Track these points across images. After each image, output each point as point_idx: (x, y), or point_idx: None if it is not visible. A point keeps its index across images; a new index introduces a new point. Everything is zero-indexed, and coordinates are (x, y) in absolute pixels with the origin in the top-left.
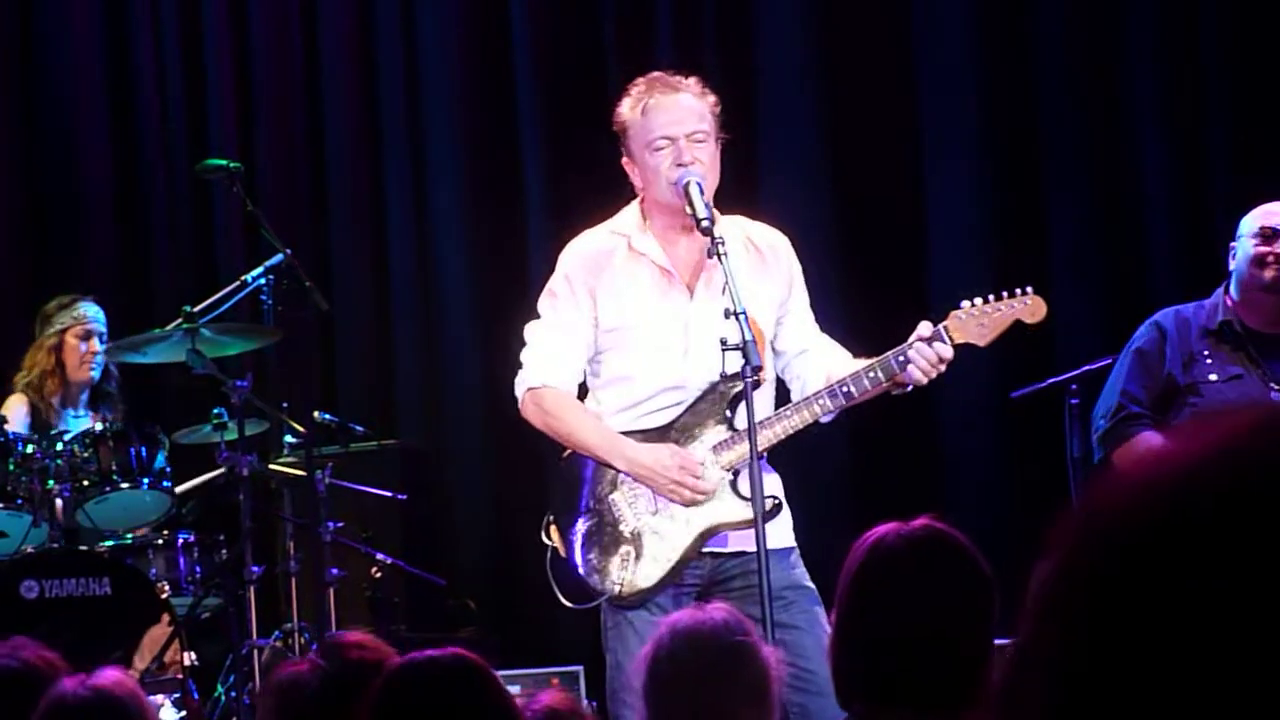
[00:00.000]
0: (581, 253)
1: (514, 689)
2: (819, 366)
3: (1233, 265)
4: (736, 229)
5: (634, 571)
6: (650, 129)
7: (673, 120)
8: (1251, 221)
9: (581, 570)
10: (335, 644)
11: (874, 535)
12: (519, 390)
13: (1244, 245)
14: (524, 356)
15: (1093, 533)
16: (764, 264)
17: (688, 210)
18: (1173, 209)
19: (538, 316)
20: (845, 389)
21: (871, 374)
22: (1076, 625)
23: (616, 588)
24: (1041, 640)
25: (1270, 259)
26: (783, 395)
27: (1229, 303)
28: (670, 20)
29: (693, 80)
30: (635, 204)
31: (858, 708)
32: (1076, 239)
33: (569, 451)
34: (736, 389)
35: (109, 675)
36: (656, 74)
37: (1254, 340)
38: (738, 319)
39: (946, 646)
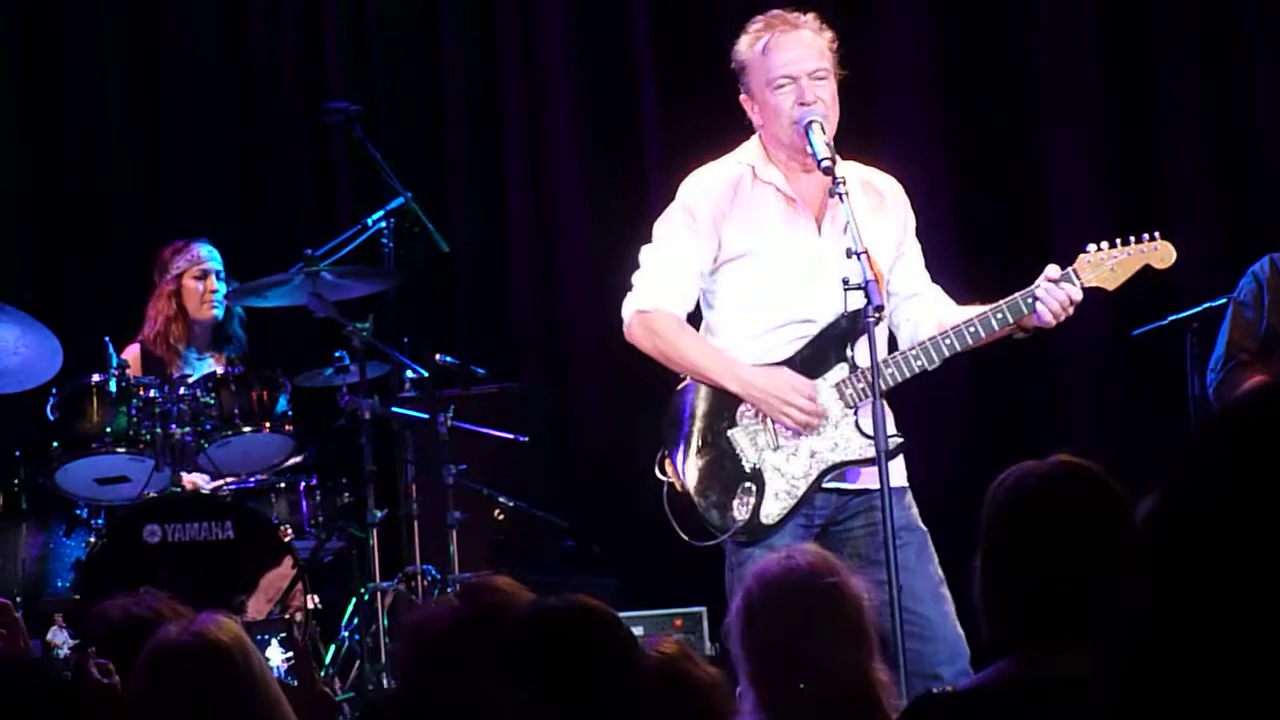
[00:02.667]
0: (706, 181)
1: (637, 630)
2: (930, 312)
3: None
4: (854, 171)
5: (757, 508)
6: (772, 67)
7: (794, 59)
8: None
9: (702, 507)
10: (474, 587)
11: (1013, 474)
12: (626, 312)
13: None
14: (635, 279)
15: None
16: (882, 206)
17: (809, 150)
18: None
19: (651, 240)
20: (972, 329)
21: (999, 315)
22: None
23: (738, 524)
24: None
25: None
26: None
27: None
28: None
29: (810, 17)
30: (755, 139)
31: (1019, 652)
32: (1195, 177)
33: (683, 383)
34: (855, 327)
35: (211, 619)
36: (775, 11)
37: None
38: (859, 258)
39: (1101, 581)
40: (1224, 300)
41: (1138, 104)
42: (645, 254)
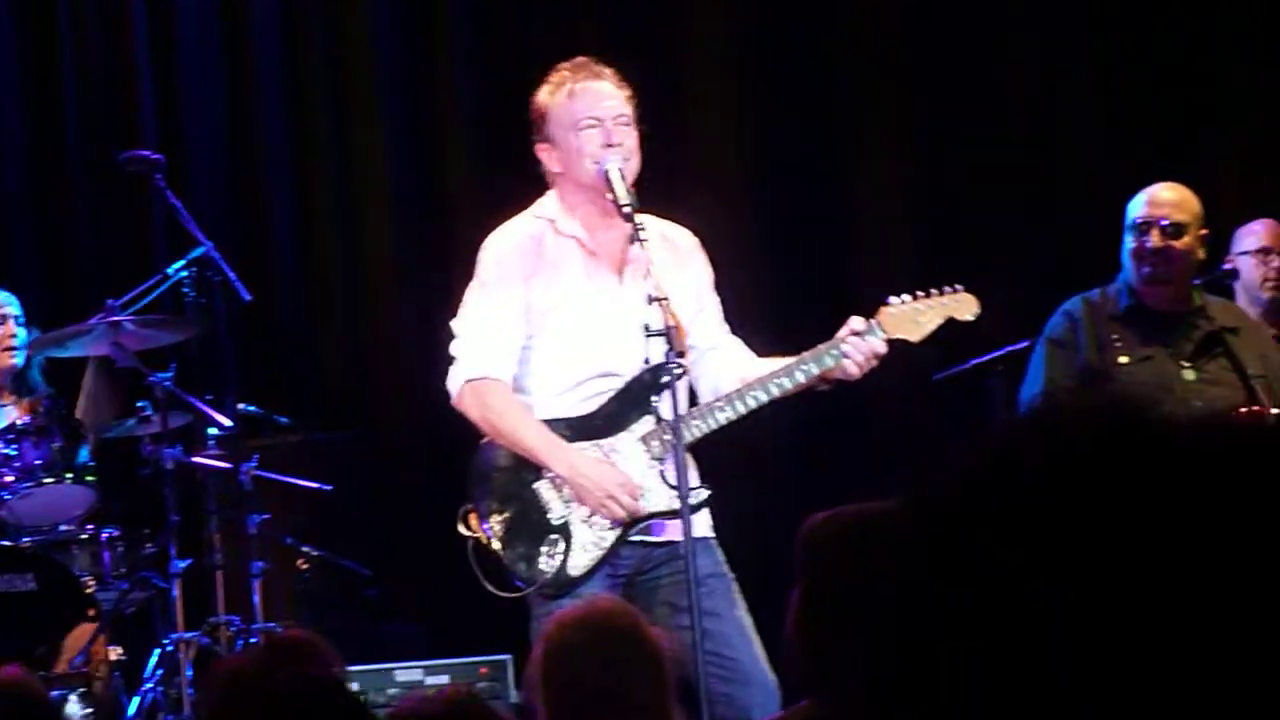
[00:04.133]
0: (509, 240)
1: (442, 679)
2: (730, 366)
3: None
4: (652, 225)
5: (564, 561)
6: (577, 110)
7: (600, 103)
8: (1130, 211)
9: (509, 560)
10: (278, 639)
11: (819, 520)
12: (454, 383)
13: (1126, 238)
14: (457, 349)
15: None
16: (680, 261)
17: (609, 195)
18: (1096, 189)
19: (464, 309)
20: (778, 381)
21: (805, 367)
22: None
23: (546, 577)
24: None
25: (1144, 254)
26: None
27: (1132, 286)
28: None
29: (610, 70)
30: (551, 193)
31: (824, 694)
32: (998, 219)
33: (486, 439)
34: (658, 378)
35: (3, 672)
36: (580, 59)
37: (1159, 320)
38: (660, 305)
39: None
40: (1026, 344)
41: (939, 149)
42: (461, 322)
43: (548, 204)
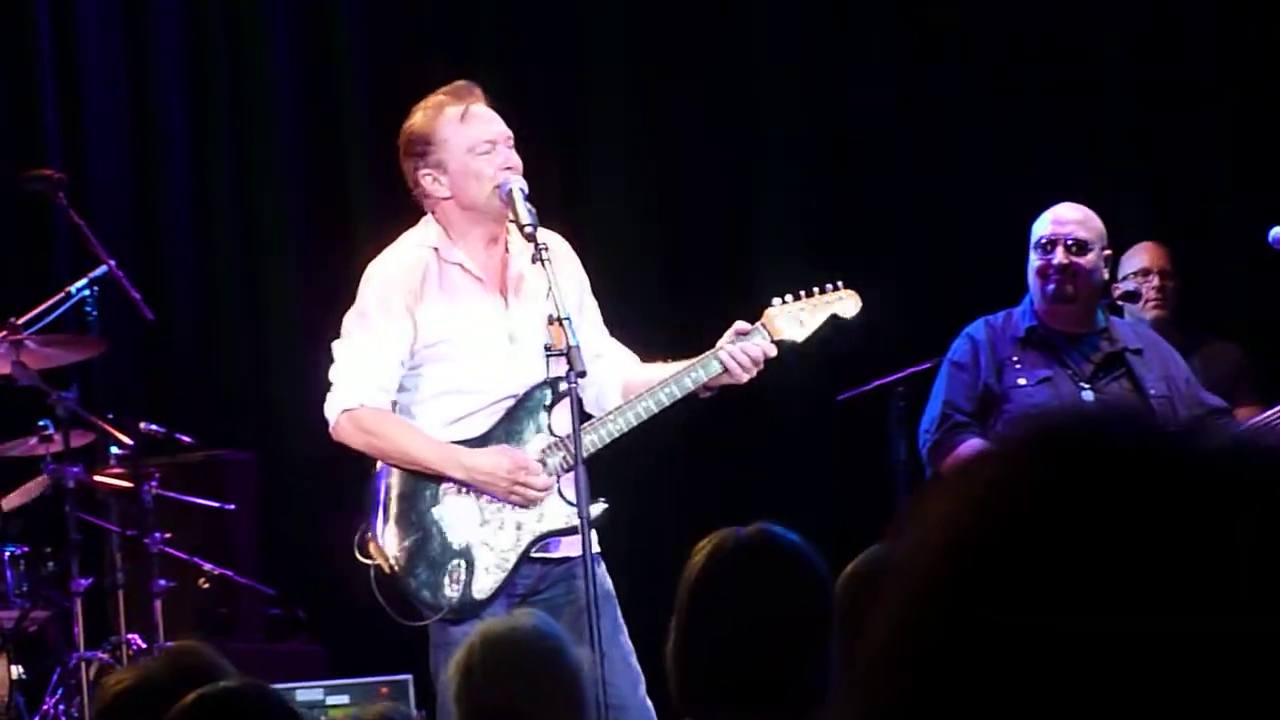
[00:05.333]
0: (393, 269)
1: (342, 699)
2: (615, 373)
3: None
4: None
5: (467, 585)
6: (472, 135)
7: (491, 126)
8: (1034, 230)
9: (412, 588)
10: (173, 651)
11: (710, 541)
12: (331, 412)
13: (1029, 257)
14: (334, 376)
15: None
16: (557, 266)
17: (511, 216)
18: (999, 210)
19: (343, 335)
20: (669, 390)
21: (694, 374)
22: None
23: (450, 602)
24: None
25: (1050, 271)
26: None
27: (1034, 307)
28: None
29: (480, 90)
30: (429, 219)
31: (697, 713)
32: (900, 240)
33: (378, 466)
34: (552, 395)
35: None
36: (458, 83)
37: (1060, 341)
38: (562, 325)
39: (785, 648)
40: (928, 365)
41: (847, 156)
42: (340, 348)
43: (429, 231)
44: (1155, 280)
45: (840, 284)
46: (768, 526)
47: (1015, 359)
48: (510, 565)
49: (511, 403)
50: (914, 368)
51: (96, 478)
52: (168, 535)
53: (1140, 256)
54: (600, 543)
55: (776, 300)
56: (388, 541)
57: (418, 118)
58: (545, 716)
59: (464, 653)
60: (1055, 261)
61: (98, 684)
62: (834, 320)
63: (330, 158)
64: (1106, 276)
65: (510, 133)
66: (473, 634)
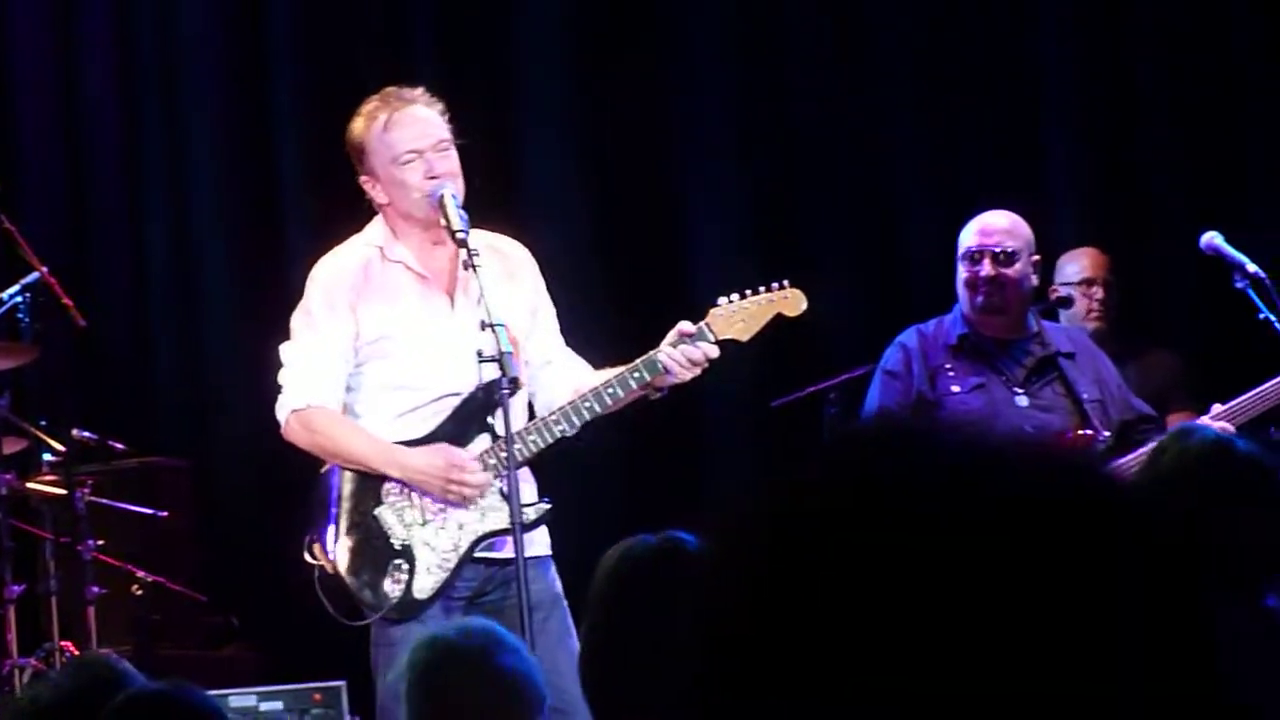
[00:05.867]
0: (336, 267)
1: (276, 705)
2: (565, 380)
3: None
4: (482, 239)
5: (408, 585)
6: (395, 143)
7: (417, 133)
8: (961, 240)
9: (354, 588)
10: (78, 662)
11: (620, 548)
12: (281, 413)
13: (957, 267)
14: (283, 378)
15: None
16: (512, 273)
17: (443, 222)
18: (931, 216)
19: (291, 337)
20: (611, 390)
21: (636, 374)
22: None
23: (391, 602)
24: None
25: (978, 283)
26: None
27: (966, 315)
28: (430, 36)
29: (420, 91)
30: (378, 220)
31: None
32: (835, 246)
33: (325, 468)
34: (494, 397)
35: None
36: (388, 89)
37: (992, 347)
38: (494, 330)
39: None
40: (863, 370)
41: (779, 166)
42: (288, 350)
43: (375, 230)
44: (1098, 292)
45: (786, 283)
46: (675, 534)
47: (948, 366)
48: (451, 565)
49: (456, 402)
50: (848, 374)
51: (29, 485)
52: (101, 542)
53: (1081, 263)
54: (551, 544)
55: (722, 300)
56: (332, 542)
57: (354, 124)
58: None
59: (412, 656)
60: (982, 274)
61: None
62: (779, 319)
63: (262, 163)
64: (1036, 282)
65: (442, 137)
66: (419, 644)
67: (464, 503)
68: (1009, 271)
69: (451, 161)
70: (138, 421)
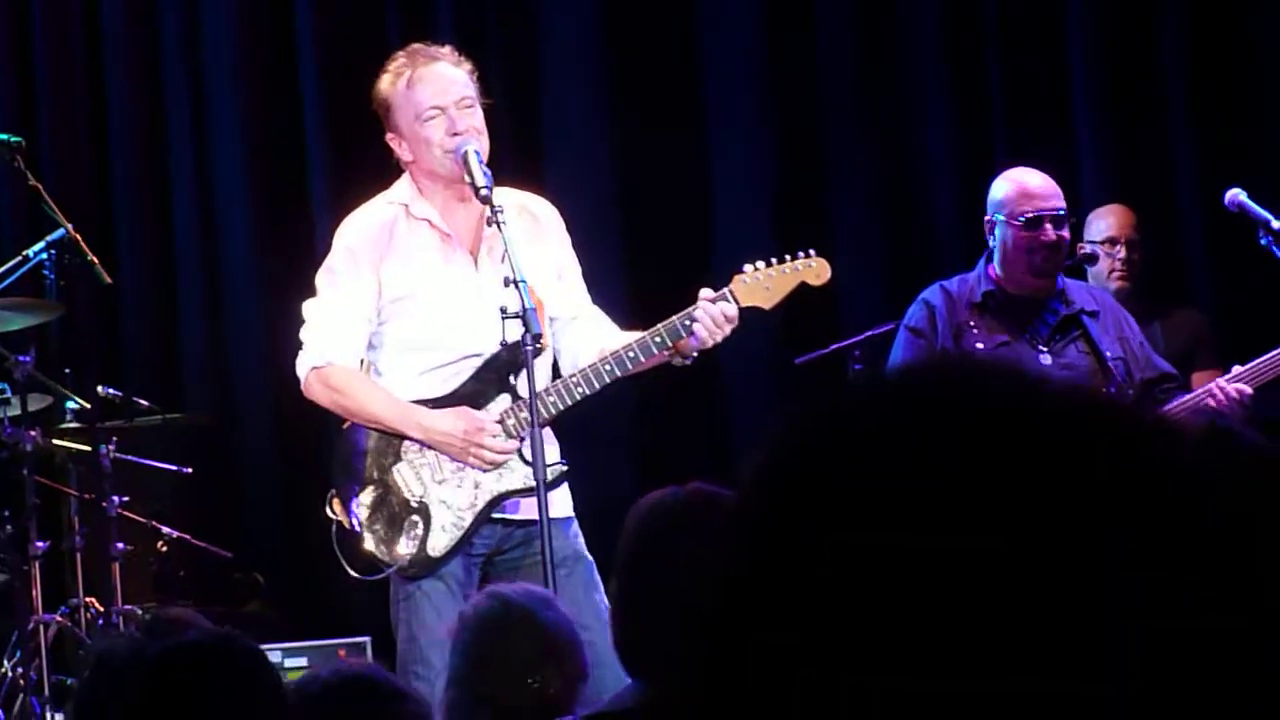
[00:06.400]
0: (361, 225)
1: (300, 661)
2: (591, 337)
3: (993, 242)
4: (509, 197)
5: (423, 542)
6: (419, 100)
7: (440, 90)
8: (1010, 203)
9: (369, 543)
10: (157, 619)
11: (647, 502)
12: (301, 370)
13: (1005, 230)
14: (305, 335)
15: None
16: (538, 231)
17: (466, 179)
18: (955, 173)
19: (315, 294)
20: (631, 354)
21: (657, 338)
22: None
23: (406, 559)
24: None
25: (1037, 246)
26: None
27: (991, 274)
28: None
29: (448, 49)
30: (405, 177)
31: (642, 675)
32: (859, 205)
33: (348, 423)
34: (516, 357)
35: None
36: (414, 46)
37: (1017, 305)
38: (518, 287)
39: None
40: (888, 328)
41: (805, 125)
42: (310, 307)
43: (401, 188)
44: (1122, 251)
45: (811, 252)
46: (703, 485)
47: (973, 324)
48: (466, 524)
49: (479, 362)
50: (872, 331)
51: (54, 441)
52: (125, 499)
53: (1107, 220)
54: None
55: (748, 267)
56: (351, 498)
57: (380, 81)
58: (546, 689)
59: (473, 606)
60: (1044, 239)
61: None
62: (803, 289)
63: (287, 123)
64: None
65: (466, 94)
66: (464, 612)
67: (489, 468)
68: (1065, 234)
69: (476, 118)
70: (163, 378)
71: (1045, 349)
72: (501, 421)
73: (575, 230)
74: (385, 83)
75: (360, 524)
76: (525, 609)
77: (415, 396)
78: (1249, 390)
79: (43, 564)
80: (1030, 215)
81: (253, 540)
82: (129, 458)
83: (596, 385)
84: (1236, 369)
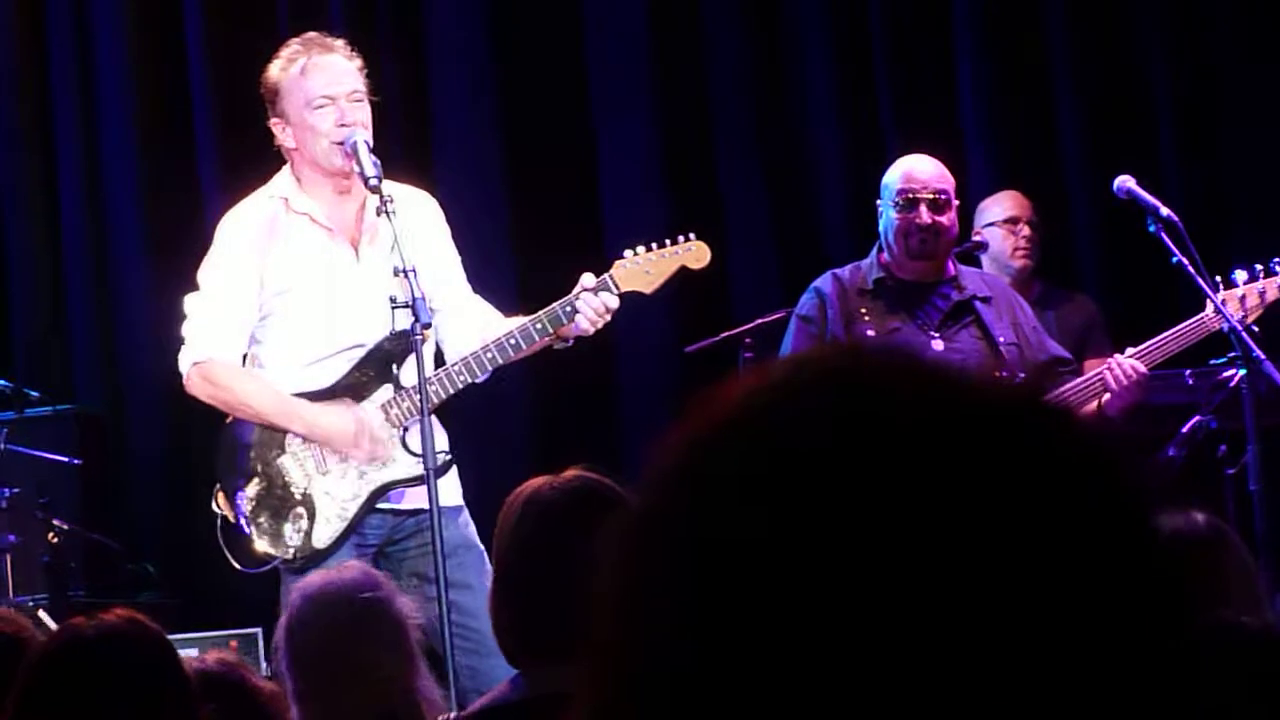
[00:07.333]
0: (240, 220)
1: (191, 651)
2: (473, 325)
3: (880, 227)
4: (389, 190)
5: (307, 534)
6: (310, 89)
7: (332, 80)
8: (891, 186)
9: (253, 536)
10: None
11: (526, 489)
12: (183, 365)
13: (887, 213)
14: (186, 330)
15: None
16: (419, 223)
17: (355, 168)
18: (845, 161)
19: (197, 289)
20: (513, 341)
21: (539, 325)
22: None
23: (291, 551)
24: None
25: (911, 229)
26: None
27: (882, 260)
28: None
29: (342, 42)
30: (286, 169)
31: (522, 664)
32: (749, 192)
33: (229, 418)
34: (401, 347)
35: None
36: (310, 34)
37: (909, 291)
38: (407, 276)
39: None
40: (779, 315)
41: (695, 111)
42: (191, 302)
43: (281, 181)
44: (1025, 230)
45: (690, 236)
46: (584, 473)
47: (863, 310)
48: (350, 515)
49: (361, 353)
50: (763, 319)
51: None
52: (16, 490)
53: (1006, 204)
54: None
55: (627, 253)
56: (235, 491)
57: (271, 66)
58: (370, 665)
59: (287, 610)
60: (918, 221)
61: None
62: (683, 272)
63: (175, 109)
64: (958, 228)
65: (357, 87)
66: (294, 593)
67: (367, 462)
68: (943, 219)
69: (364, 112)
70: (53, 369)
71: (937, 334)
72: (385, 411)
73: (464, 213)
74: (276, 68)
75: (246, 518)
76: (331, 592)
77: (298, 389)
78: (1144, 368)
79: None
80: (908, 197)
81: (143, 531)
82: (19, 449)
83: (479, 373)
84: (1130, 350)
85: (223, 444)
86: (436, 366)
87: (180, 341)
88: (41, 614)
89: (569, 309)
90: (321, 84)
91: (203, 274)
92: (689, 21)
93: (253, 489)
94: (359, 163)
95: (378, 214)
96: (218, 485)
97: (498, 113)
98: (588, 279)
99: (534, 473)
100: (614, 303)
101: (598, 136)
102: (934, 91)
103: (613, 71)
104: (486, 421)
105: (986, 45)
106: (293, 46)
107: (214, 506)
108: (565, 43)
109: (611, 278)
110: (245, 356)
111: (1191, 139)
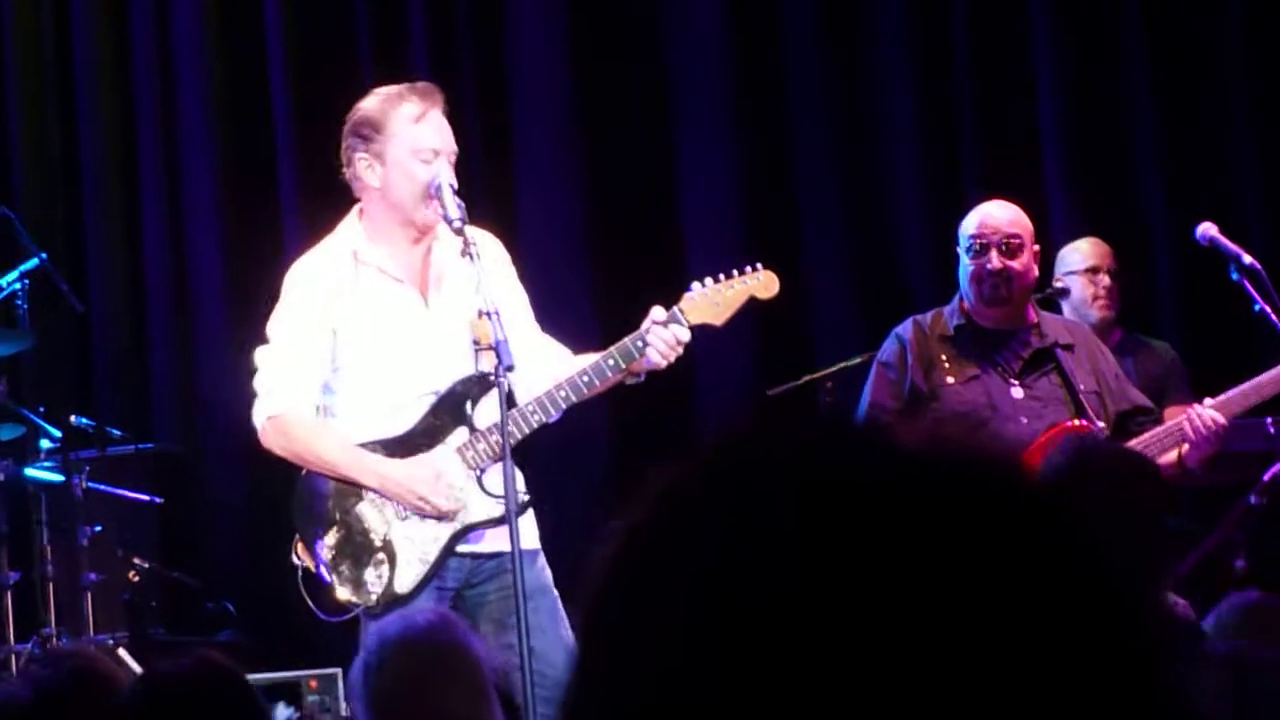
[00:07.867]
0: (309, 272)
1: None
2: (544, 365)
3: (959, 272)
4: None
5: (389, 579)
6: (420, 138)
7: (445, 138)
8: (966, 230)
9: (335, 584)
10: (57, 655)
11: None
12: (258, 420)
13: (963, 258)
14: (258, 383)
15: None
16: (490, 265)
17: (440, 211)
18: (929, 207)
19: (267, 341)
20: (585, 378)
21: (610, 361)
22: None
23: (373, 597)
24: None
25: (983, 275)
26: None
27: (964, 306)
28: (424, 18)
29: (442, 96)
30: (353, 216)
31: None
32: (834, 236)
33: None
34: (473, 389)
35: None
36: (424, 84)
37: (989, 338)
38: (491, 319)
39: None
40: (858, 360)
41: (776, 154)
42: (263, 355)
43: (350, 230)
44: (1105, 280)
45: (758, 266)
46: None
47: (944, 358)
48: (432, 558)
49: (434, 399)
50: (845, 362)
51: (27, 471)
52: (98, 528)
53: (1085, 252)
54: (540, 537)
55: (695, 285)
56: (315, 541)
57: (373, 102)
58: (447, 709)
59: (363, 652)
60: (989, 266)
61: None
62: (753, 302)
63: (259, 150)
64: (1037, 273)
65: (456, 150)
66: (370, 636)
67: (439, 517)
68: (1014, 264)
69: (453, 177)
70: (135, 409)
71: (1016, 381)
72: (461, 454)
73: (538, 248)
74: (383, 105)
75: (326, 566)
76: (414, 632)
77: (372, 437)
78: (1223, 419)
79: (14, 594)
80: (979, 241)
81: (223, 570)
82: (101, 487)
83: (553, 412)
84: (1209, 400)
85: (300, 494)
86: (509, 407)
87: (253, 395)
88: (121, 652)
89: (640, 343)
90: (433, 137)
91: (272, 327)
92: (773, 54)
93: (332, 538)
94: (443, 204)
95: (462, 255)
96: (296, 536)
97: (578, 146)
98: (657, 312)
99: (613, 516)
100: (685, 335)
101: (680, 171)
102: (1016, 136)
103: (696, 103)
104: (566, 465)
105: (1068, 90)
106: (398, 88)
107: (293, 558)
108: (649, 72)
109: (681, 310)
110: (318, 408)
111: (1275, 186)
